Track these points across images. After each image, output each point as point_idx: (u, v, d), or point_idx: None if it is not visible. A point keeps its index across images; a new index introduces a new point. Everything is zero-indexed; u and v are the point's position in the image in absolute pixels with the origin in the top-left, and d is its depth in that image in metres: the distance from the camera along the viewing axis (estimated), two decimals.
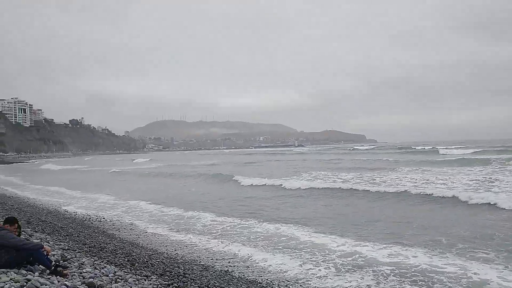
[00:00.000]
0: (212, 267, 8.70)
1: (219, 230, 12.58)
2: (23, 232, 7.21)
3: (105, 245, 9.70)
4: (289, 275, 8.25)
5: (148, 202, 18.95)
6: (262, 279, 7.99)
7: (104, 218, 15.13)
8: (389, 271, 8.13)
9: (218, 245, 10.81)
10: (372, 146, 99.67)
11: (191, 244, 11.00)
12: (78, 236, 10.68)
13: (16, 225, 6.05)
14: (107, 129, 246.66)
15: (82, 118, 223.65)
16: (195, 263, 8.94)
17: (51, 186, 29.21)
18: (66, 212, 16.45)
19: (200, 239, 11.59)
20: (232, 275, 8.10)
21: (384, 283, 7.54)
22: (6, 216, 6.69)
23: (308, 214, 14.70)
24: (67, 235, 10.59)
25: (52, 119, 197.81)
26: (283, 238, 11.09)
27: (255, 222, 13.41)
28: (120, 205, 18.84)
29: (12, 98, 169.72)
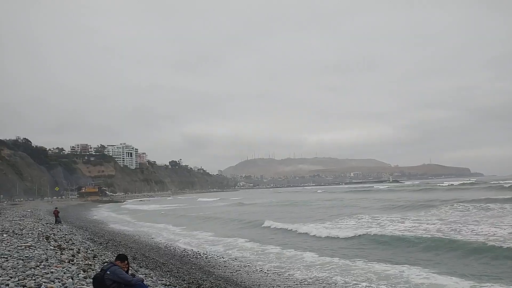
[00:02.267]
0: None
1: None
2: (130, 268, 7.78)
3: (202, 281, 9.98)
4: None
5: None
6: None
7: (200, 255, 15.67)
8: None
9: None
10: (471, 181, 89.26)
11: (283, 285, 10.80)
12: (177, 272, 11.18)
13: (126, 261, 6.55)
14: (202, 168, 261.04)
15: (181, 159, 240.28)
16: None
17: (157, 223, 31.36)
18: (166, 248, 17.42)
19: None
20: None
21: None
22: (119, 253, 7.28)
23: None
24: (168, 271, 11.15)
25: (155, 161, 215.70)
26: None
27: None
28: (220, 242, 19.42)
29: (121, 144, 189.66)
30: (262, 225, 24.42)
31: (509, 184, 52.63)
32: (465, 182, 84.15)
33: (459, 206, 28.11)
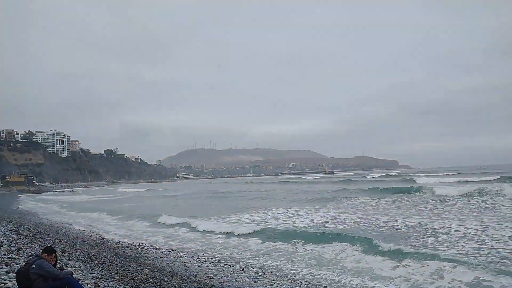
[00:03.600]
0: None
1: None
2: (58, 261, 7.43)
3: (137, 273, 9.80)
4: None
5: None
6: None
7: (135, 246, 15.34)
8: None
9: (241, 273, 10.69)
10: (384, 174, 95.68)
11: (220, 274, 10.94)
12: (110, 264, 10.87)
13: (54, 254, 6.26)
14: (140, 158, 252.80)
15: (117, 148, 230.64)
16: None
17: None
18: (99, 240, 16.81)
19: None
20: None
21: None
22: (46, 246, 6.93)
23: None
24: (100, 263, 10.79)
25: (88, 150, 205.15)
26: None
27: None
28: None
29: (51, 130, 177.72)
30: (158, 220, 22.65)
31: (416, 177, 57.04)
32: (388, 174, 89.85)
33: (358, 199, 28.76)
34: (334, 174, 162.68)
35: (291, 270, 11.09)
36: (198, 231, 18.46)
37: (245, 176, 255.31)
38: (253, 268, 11.39)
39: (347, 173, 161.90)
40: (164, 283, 9.01)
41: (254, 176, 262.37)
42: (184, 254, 13.73)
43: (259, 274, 10.77)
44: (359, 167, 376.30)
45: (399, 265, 10.46)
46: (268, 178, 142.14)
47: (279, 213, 23.61)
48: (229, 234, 16.81)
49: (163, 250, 14.67)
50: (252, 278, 10.39)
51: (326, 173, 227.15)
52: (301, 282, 9.76)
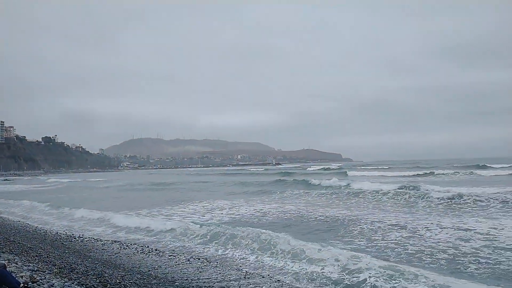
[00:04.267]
0: (187, 287, 8.58)
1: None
2: None
3: (76, 266, 9.43)
4: None
5: None
6: None
7: (75, 238, 14.72)
8: None
9: (192, 263, 10.68)
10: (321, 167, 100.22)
11: (164, 265, 10.83)
12: (48, 257, 10.36)
13: None
14: (81, 146, 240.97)
15: (56, 135, 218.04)
16: (169, 284, 8.79)
17: None
18: (35, 232, 15.92)
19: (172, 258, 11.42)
20: None
21: None
22: None
23: None
24: (36, 256, 10.25)
25: (24, 136, 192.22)
26: None
27: None
28: None
29: None
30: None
31: (349, 171, 61.55)
32: (329, 167, 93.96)
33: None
34: (281, 166, 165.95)
35: (237, 258, 11.24)
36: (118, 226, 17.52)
37: (193, 167, 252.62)
38: (199, 259, 11.39)
39: (292, 165, 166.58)
40: (106, 275, 8.76)
41: (202, 167, 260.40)
42: (127, 246, 13.41)
43: (205, 264, 10.80)
44: (305, 160, 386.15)
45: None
46: (216, 170, 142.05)
47: (214, 205, 23.50)
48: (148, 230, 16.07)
49: (105, 241, 14.21)
50: (198, 269, 10.40)
51: (273, 164, 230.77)
52: (246, 271, 9.91)
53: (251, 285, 8.77)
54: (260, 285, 8.76)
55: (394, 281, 8.22)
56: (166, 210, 22.55)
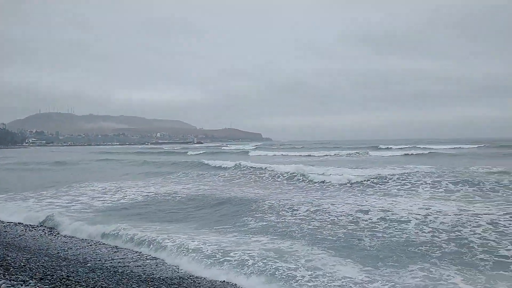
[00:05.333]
0: (100, 268, 8.39)
1: None
2: None
3: None
4: None
5: None
6: (154, 277, 7.99)
7: None
8: None
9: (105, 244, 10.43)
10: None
11: (75, 247, 10.42)
12: None
13: None
14: None
15: None
16: (80, 265, 8.53)
17: None
18: None
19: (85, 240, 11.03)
20: (122, 275, 7.93)
21: None
22: None
23: None
24: None
25: None
26: None
27: None
28: None
29: None
30: None
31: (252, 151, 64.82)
32: (244, 148, 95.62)
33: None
34: (202, 145, 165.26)
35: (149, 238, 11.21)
36: None
37: (108, 145, 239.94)
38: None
39: (212, 144, 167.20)
40: (8, 258, 8.20)
41: (118, 145, 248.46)
42: (33, 228, 12.59)
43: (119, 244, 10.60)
44: (226, 139, 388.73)
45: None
46: (131, 148, 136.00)
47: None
48: None
49: (6, 224, 13.17)
50: (112, 249, 10.18)
51: (195, 143, 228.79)
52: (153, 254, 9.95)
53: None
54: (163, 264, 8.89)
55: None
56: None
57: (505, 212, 12.22)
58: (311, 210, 13.75)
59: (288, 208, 14.17)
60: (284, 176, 22.98)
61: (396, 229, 11.06)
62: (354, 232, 10.91)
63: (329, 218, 12.61)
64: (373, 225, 11.54)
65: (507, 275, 7.51)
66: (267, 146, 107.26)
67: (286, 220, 12.60)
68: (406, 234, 10.50)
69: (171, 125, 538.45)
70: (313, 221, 12.30)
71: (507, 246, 9.08)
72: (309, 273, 7.85)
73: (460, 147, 62.10)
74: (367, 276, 7.65)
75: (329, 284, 7.32)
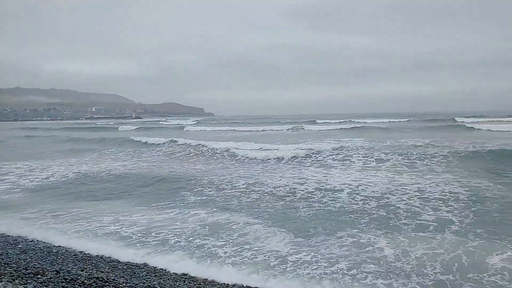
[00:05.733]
0: (33, 249, 8.08)
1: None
2: None
3: None
4: None
5: None
6: (91, 255, 7.86)
7: None
8: None
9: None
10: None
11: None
12: None
13: None
14: None
15: None
16: (10, 247, 8.15)
17: None
18: None
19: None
20: (57, 255, 7.71)
21: None
22: None
23: None
24: None
25: None
26: None
27: None
28: None
29: None
30: None
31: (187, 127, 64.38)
32: (181, 123, 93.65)
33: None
34: (140, 120, 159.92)
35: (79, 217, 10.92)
36: None
37: (37, 120, 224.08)
38: None
39: (151, 119, 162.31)
40: None
41: (49, 120, 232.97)
42: None
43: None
44: (167, 113, 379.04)
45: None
46: (62, 123, 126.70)
47: None
48: None
49: None
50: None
51: (133, 118, 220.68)
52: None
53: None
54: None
55: None
56: None
57: (430, 181, 13.43)
58: (250, 183, 14.12)
59: (227, 182, 14.43)
60: (221, 152, 22.97)
61: (330, 198, 11.75)
62: (291, 203, 11.43)
63: (267, 190, 13.06)
64: (309, 195, 12.15)
65: (426, 236, 8.31)
66: (208, 121, 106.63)
67: (226, 193, 12.84)
68: (340, 203, 11.20)
69: (107, 99, 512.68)
70: (252, 194, 12.67)
71: (429, 211, 10.05)
72: (235, 249, 7.80)
73: (391, 121, 66.11)
74: (293, 248, 7.74)
75: (249, 260, 7.24)
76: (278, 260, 7.22)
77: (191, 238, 8.53)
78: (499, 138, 27.13)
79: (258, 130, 51.30)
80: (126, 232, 9.13)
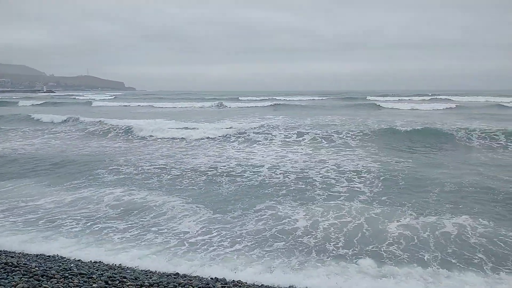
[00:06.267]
0: None
1: None
2: None
3: None
4: None
5: None
6: None
7: None
8: None
9: None
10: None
11: None
12: None
13: None
14: None
15: None
16: None
17: None
18: None
19: None
20: None
21: None
22: None
23: None
24: None
25: None
26: None
27: None
28: None
29: None
30: None
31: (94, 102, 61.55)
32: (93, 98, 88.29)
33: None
34: (52, 94, 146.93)
35: None
36: None
37: None
38: None
39: (65, 93, 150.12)
40: None
41: None
42: None
43: None
44: (84, 87, 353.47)
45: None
46: None
47: None
48: None
49: None
50: None
51: (44, 92, 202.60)
52: None
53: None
54: None
55: None
56: None
57: (345, 157, 14.20)
58: (171, 162, 13.76)
59: (146, 161, 13.91)
60: (128, 131, 21.13)
61: (251, 173, 11.93)
62: (213, 178, 11.37)
63: (189, 167, 12.84)
64: (231, 172, 12.18)
65: (337, 204, 8.88)
66: (127, 96, 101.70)
67: (144, 171, 12.38)
68: (261, 177, 11.41)
69: (14, 70, 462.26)
70: (172, 170, 12.38)
71: (342, 183, 10.65)
72: (137, 232, 7.32)
73: (312, 99, 68.76)
74: (204, 227, 7.55)
75: (146, 245, 6.74)
76: (185, 243, 6.88)
77: (90, 223, 7.86)
78: (403, 116, 29.87)
79: (177, 107, 49.99)
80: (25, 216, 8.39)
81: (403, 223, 7.66)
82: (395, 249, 6.56)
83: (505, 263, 6.07)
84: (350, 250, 6.56)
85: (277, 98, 72.38)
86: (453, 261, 6.15)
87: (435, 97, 71.12)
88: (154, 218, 8.20)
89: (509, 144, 16.60)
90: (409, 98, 68.52)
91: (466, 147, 16.73)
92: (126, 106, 54.75)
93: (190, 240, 7.01)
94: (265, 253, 6.45)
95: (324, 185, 10.53)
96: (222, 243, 6.88)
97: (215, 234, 7.29)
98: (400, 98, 68.72)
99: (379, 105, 44.94)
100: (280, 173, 11.85)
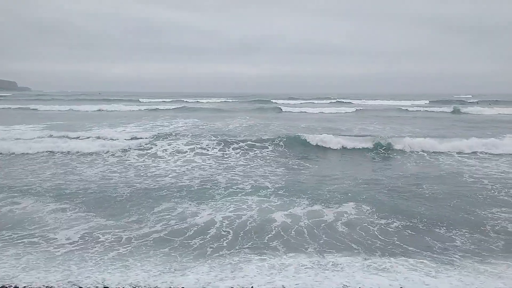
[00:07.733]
0: None
1: None
2: None
3: None
4: None
5: None
6: None
7: None
8: None
9: None
10: None
11: None
12: None
13: None
14: None
15: None
16: None
17: None
18: None
19: None
20: None
21: None
22: None
23: None
24: None
25: None
26: None
27: None
28: None
29: None
30: None
31: None
32: None
33: None
34: None
35: None
36: None
37: None
38: None
39: None
40: None
41: None
42: None
43: None
44: None
45: None
46: None
47: None
48: None
49: None
50: None
51: None
52: None
53: None
54: None
55: None
56: None
57: (254, 163, 14.09)
58: (60, 172, 12.56)
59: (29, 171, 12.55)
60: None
61: (154, 180, 11.40)
62: (109, 185, 10.71)
63: (79, 178, 11.76)
64: (131, 178, 11.57)
65: (236, 199, 9.34)
66: (17, 97, 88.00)
67: (28, 180, 11.19)
68: (165, 183, 11.03)
69: None
70: (58, 181, 11.29)
71: (247, 182, 10.90)
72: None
73: (215, 101, 69.08)
74: (87, 234, 7.16)
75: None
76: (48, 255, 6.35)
77: None
78: (304, 120, 31.43)
79: (67, 110, 45.16)
80: None
81: (286, 213, 8.29)
82: (277, 244, 6.86)
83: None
84: (233, 249, 6.61)
85: (186, 100, 71.41)
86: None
87: (335, 100, 75.34)
88: (36, 229, 7.48)
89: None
90: (305, 101, 72.70)
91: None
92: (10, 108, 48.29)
93: (59, 251, 6.51)
94: (139, 264, 6.07)
95: (228, 184, 10.70)
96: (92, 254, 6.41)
97: (102, 238, 6.99)
98: (299, 101, 72.76)
99: (279, 108, 46.97)
100: (186, 178, 11.51)
